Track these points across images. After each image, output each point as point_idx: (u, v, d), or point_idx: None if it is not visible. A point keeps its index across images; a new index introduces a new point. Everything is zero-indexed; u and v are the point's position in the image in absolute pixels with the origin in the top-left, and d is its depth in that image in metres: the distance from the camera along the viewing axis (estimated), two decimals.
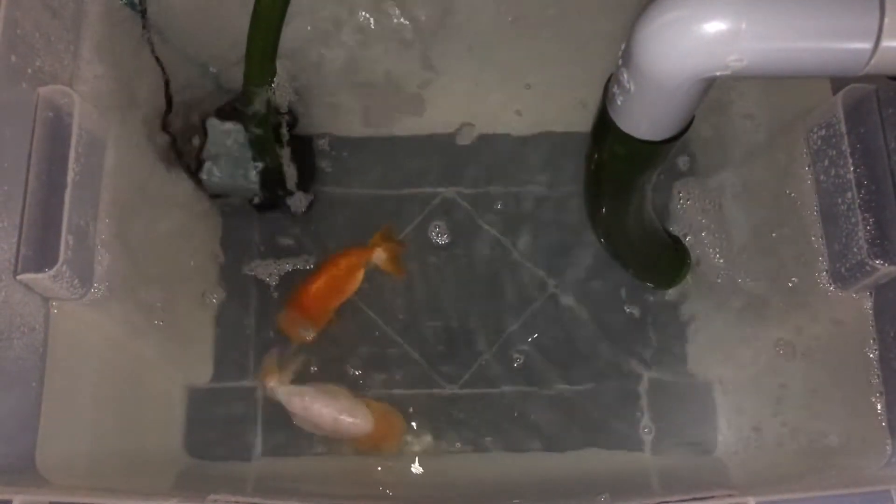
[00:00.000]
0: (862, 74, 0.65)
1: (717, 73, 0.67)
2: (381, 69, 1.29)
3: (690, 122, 0.79)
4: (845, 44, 0.64)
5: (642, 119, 0.77)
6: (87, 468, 0.98)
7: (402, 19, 1.25)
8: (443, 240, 1.26)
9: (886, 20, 0.62)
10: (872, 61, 0.63)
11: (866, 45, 0.63)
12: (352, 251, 1.25)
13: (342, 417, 1.16)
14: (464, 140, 1.31)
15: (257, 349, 1.23)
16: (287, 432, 1.20)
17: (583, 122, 1.04)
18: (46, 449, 0.92)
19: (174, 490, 1.09)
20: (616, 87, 0.75)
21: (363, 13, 1.23)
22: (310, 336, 1.22)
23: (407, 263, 1.27)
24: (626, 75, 0.72)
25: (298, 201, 1.26)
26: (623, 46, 0.71)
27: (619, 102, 0.76)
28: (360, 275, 1.23)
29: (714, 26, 0.64)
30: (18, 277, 0.89)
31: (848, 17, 0.63)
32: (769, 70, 0.67)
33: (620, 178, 0.92)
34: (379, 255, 1.25)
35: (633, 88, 0.72)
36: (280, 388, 1.17)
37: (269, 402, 1.19)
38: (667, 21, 0.66)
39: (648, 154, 0.81)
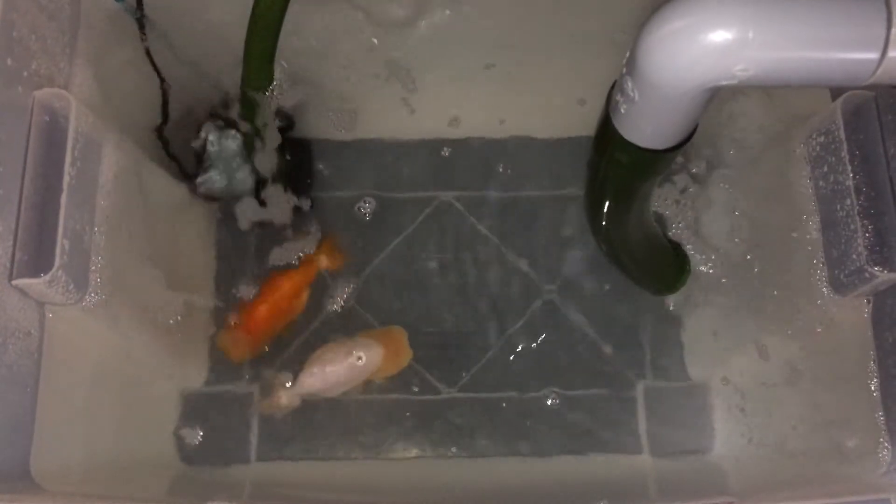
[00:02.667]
0: (868, 84, 0.65)
1: (723, 83, 0.66)
2: (382, 74, 1.29)
3: (694, 131, 0.79)
4: (852, 54, 0.64)
5: (646, 127, 0.76)
6: (82, 475, 0.97)
7: (401, 24, 1.24)
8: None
9: (894, 30, 0.62)
10: (879, 71, 0.63)
11: (873, 56, 0.63)
12: (296, 271, 1.23)
13: (353, 361, 1.15)
14: (461, 144, 1.31)
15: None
16: (283, 437, 1.19)
17: (582, 127, 1.04)
18: (41, 455, 0.91)
19: (169, 496, 1.09)
20: (619, 95, 0.75)
21: (362, 18, 1.23)
22: (249, 357, 1.22)
23: (403, 268, 1.27)
24: (630, 84, 0.71)
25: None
26: (627, 54, 0.71)
27: (622, 110, 0.75)
28: (306, 295, 1.23)
29: (720, 35, 0.64)
30: (13, 282, 0.88)
31: (855, 27, 0.63)
32: (775, 80, 0.66)
33: (622, 186, 0.91)
34: (322, 262, 1.24)
35: (637, 97, 0.71)
36: (294, 388, 1.16)
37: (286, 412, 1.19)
38: (672, 30, 0.66)
39: (651, 162, 0.81)
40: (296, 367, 1.18)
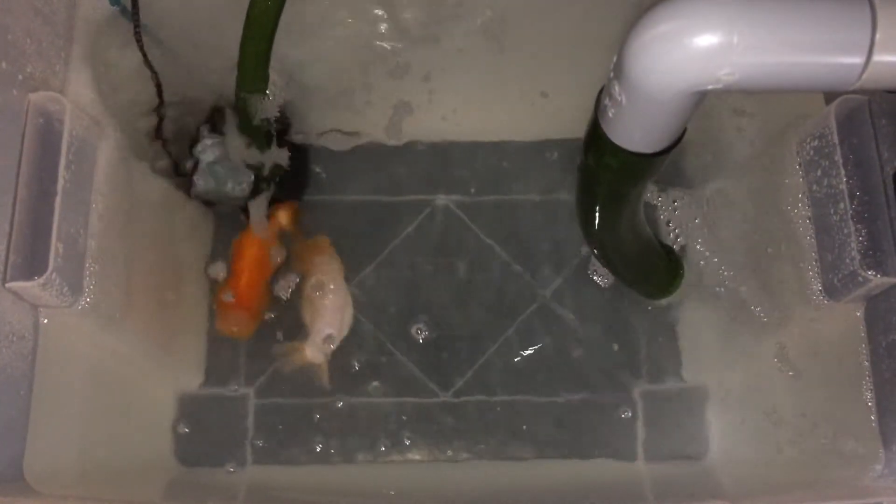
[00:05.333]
0: (854, 89, 0.65)
1: (710, 87, 0.66)
2: (380, 77, 1.29)
3: (683, 134, 0.79)
4: (837, 58, 0.64)
5: (634, 131, 0.76)
6: (76, 478, 0.97)
7: (396, 28, 1.25)
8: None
9: (878, 35, 0.62)
10: (864, 76, 0.63)
11: (858, 60, 0.63)
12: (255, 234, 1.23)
13: (336, 290, 1.22)
14: (458, 148, 1.31)
15: (248, 354, 1.23)
16: (279, 439, 1.19)
17: (578, 130, 1.03)
18: (35, 458, 0.91)
19: (165, 499, 1.09)
20: (607, 99, 0.75)
21: (358, 21, 1.23)
22: (253, 328, 1.23)
23: (399, 271, 1.27)
24: (617, 88, 0.71)
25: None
26: (614, 59, 0.71)
27: (610, 115, 0.76)
28: (275, 251, 1.23)
29: (706, 40, 0.64)
30: (7, 285, 0.89)
31: (840, 31, 0.63)
32: (761, 84, 0.66)
33: (612, 190, 0.91)
34: (283, 217, 1.24)
35: (624, 101, 0.71)
36: (314, 339, 1.21)
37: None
38: (658, 34, 0.66)
39: (640, 166, 0.81)
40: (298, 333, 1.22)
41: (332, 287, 1.22)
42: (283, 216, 1.24)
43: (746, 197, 1.17)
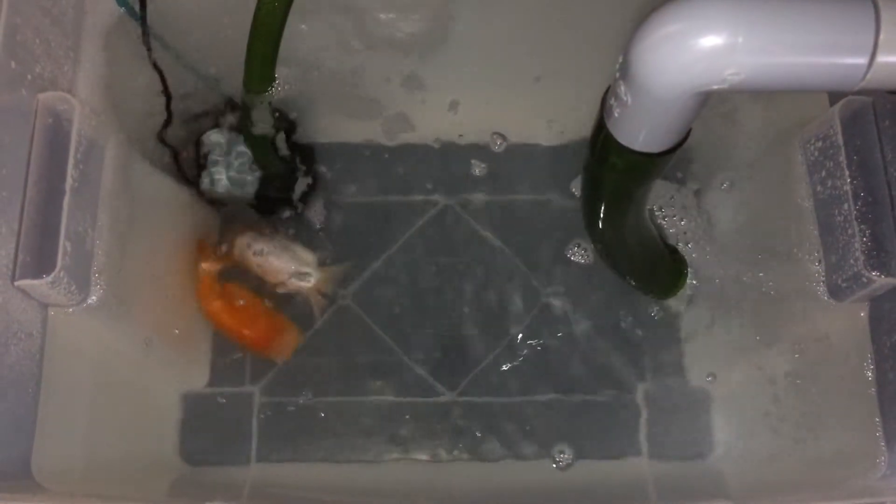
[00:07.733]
0: (858, 89, 0.65)
1: (715, 87, 0.67)
2: (383, 76, 1.30)
3: (688, 134, 0.80)
4: (841, 59, 0.64)
5: (640, 131, 0.77)
6: (83, 475, 0.98)
7: (403, 28, 1.25)
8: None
9: (882, 36, 0.62)
10: (868, 76, 0.64)
11: (862, 61, 0.63)
12: (207, 290, 1.22)
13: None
14: (465, 149, 1.31)
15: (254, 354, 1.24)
16: (283, 438, 1.20)
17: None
18: (42, 455, 0.91)
19: (169, 497, 1.09)
20: (613, 99, 0.75)
21: (364, 21, 1.23)
22: (301, 338, 1.23)
23: (404, 271, 1.27)
24: (623, 88, 0.72)
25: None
26: (620, 59, 0.72)
27: (616, 114, 0.76)
28: (223, 288, 1.22)
29: (711, 40, 0.64)
30: (16, 283, 0.89)
31: (844, 32, 0.63)
32: (766, 84, 0.67)
33: (617, 190, 0.92)
34: (211, 268, 1.22)
35: (630, 101, 0.72)
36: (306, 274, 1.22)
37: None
38: (664, 35, 0.66)
39: (646, 166, 0.82)
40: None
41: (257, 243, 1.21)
42: (205, 266, 1.22)
43: (750, 197, 1.17)
